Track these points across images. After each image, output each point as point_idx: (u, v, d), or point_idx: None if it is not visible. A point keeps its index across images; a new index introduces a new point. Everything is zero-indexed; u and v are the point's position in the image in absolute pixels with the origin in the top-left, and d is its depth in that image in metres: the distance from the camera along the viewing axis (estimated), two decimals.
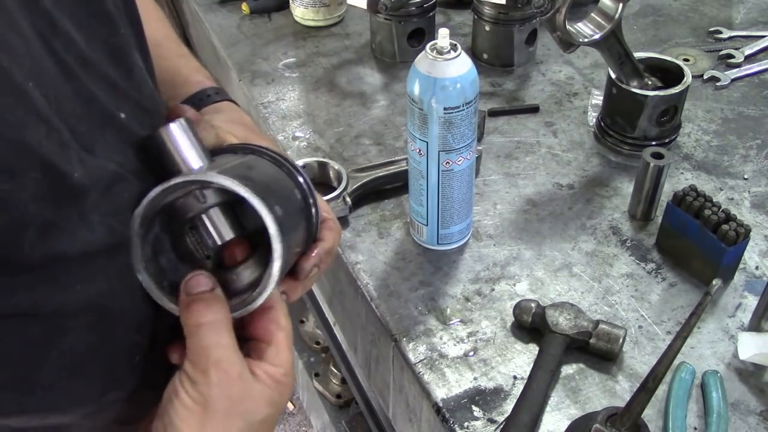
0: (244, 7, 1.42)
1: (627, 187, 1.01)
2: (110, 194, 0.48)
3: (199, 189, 0.53)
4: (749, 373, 0.79)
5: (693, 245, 0.87)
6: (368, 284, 0.90)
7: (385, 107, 1.19)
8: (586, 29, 1.01)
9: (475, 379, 0.79)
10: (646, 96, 1.01)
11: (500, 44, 1.24)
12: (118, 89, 0.51)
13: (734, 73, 1.23)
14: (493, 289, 0.89)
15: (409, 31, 1.25)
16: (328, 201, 0.94)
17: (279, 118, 1.17)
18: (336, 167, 1.01)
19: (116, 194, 0.49)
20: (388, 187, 1.02)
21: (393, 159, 1.04)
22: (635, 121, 1.04)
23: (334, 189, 0.97)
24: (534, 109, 1.17)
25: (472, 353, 0.82)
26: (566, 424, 0.74)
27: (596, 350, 0.80)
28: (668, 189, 0.96)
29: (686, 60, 1.26)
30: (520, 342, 0.83)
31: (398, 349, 0.83)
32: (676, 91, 1.01)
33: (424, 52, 0.80)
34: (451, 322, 0.85)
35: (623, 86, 1.03)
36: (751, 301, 0.86)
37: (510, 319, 0.85)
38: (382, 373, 0.91)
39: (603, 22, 1.00)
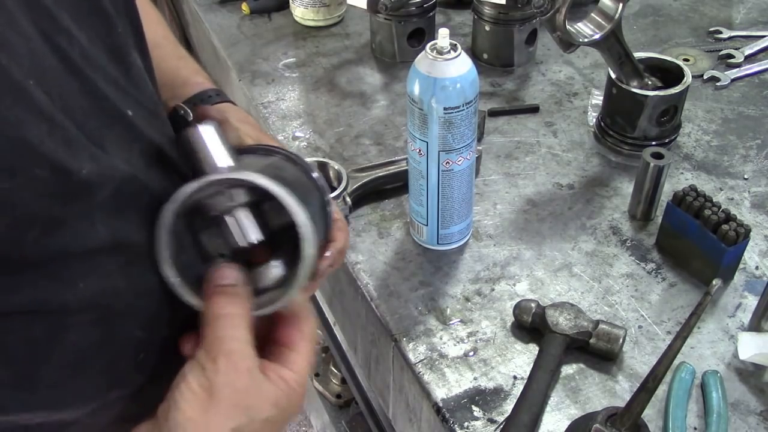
0: (244, 7, 1.42)
1: (627, 187, 1.01)
2: (119, 193, 0.48)
3: (230, 188, 0.53)
4: (749, 373, 0.79)
5: (693, 245, 0.87)
6: (368, 284, 0.90)
7: (385, 107, 1.19)
8: (586, 29, 1.01)
9: (475, 379, 0.79)
10: (646, 96, 1.01)
11: (500, 44, 1.24)
12: (121, 87, 0.52)
13: (734, 73, 1.23)
14: (493, 289, 0.89)
15: (409, 31, 1.25)
16: None
17: (279, 118, 1.17)
18: (336, 167, 1.01)
19: (124, 193, 0.49)
20: (388, 187, 1.02)
21: (393, 159, 1.03)
22: (635, 121, 1.04)
23: (334, 189, 0.97)
24: (534, 109, 1.17)
25: (472, 353, 0.82)
26: (566, 424, 0.74)
27: (596, 350, 0.80)
28: (668, 189, 0.96)
29: (686, 60, 1.26)
30: (520, 342, 0.83)
31: (398, 349, 0.83)
32: (676, 91, 1.01)
33: (424, 52, 0.80)
34: (451, 322, 0.85)
35: (623, 86, 1.03)
36: (751, 301, 0.86)
37: (510, 319, 0.85)
38: (382, 373, 0.91)
39: (603, 22, 1.00)
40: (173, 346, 0.58)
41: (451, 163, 0.85)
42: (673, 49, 1.29)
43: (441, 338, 0.83)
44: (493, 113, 1.15)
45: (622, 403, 0.71)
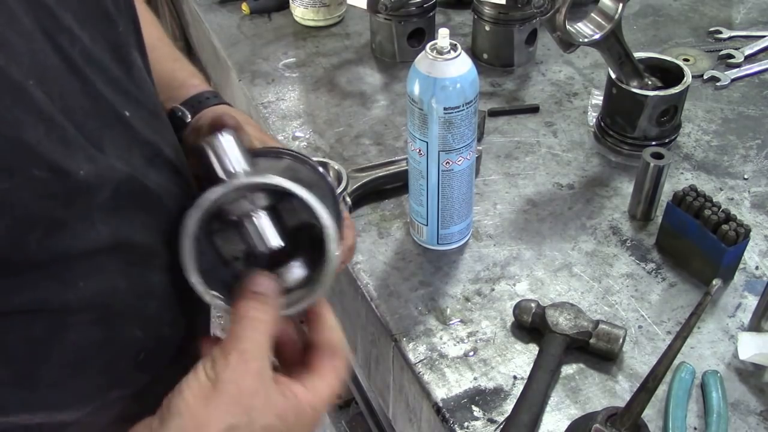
0: (244, 7, 1.42)
1: (627, 187, 1.01)
2: (118, 193, 0.48)
3: (251, 192, 0.54)
4: (749, 373, 0.79)
5: (693, 245, 0.87)
6: (368, 284, 0.90)
7: (385, 107, 1.19)
8: (586, 29, 1.01)
9: (475, 379, 0.79)
10: (646, 96, 1.01)
11: (500, 44, 1.24)
12: (122, 87, 0.52)
13: (734, 73, 1.23)
14: (493, 289, 0.89)
15: (409, 31, 1.25)
16: None
17: (279, 118, 1.17)
18: (336, 167, 1.01)
19: (123, 194, 0.49)
20: (388, 187, 1.02)
21: (393, 159, 1.03)
22: (635, 121, 1.04)
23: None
24: (534, 109, 1.17)
25: (472, 353, 0.82)
26: (566, 424, 0.74)
27: (596, 350, 0.80)
28: (668, 189, 0.96)
29: (686, 60, 1.26)
30: (520, 342, 0.83)
31: (398, 349, 0.83)
32: (676, 91, 1.01)
33: (424, 52, 0.80)
34: (451, 322, 0.85)
35: (623, 86, 1.03)
36: (751, 301, 0.86)
37: (510, 319, 0.85)
38: (382, 373, 0.91)
39: (603, 22, 1.00)
40: (173, 346, 0.58)
41: (451, 163, 0.85)
42: (673, 49, 1.29)
43: (441, 338, 0.83)
44: (493, 113, 1.15)
45: (622, 403, 0.71)
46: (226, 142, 0.54)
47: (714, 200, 0.86)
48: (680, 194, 0.88)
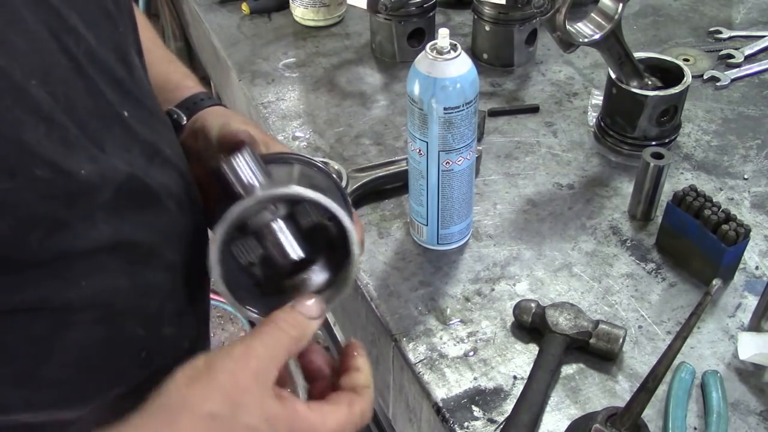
0: (244, 7, 1.42)
1: (627, 187, 1.01)
2: (120, 193, 0.49)
3: (272, 203, 0.55)
4: (749, 373, 0.79)
5: (693, 245, 0.87)
6: (368, 284, 0.90)
7: (385, 107, 1.19)
8: (586, 29, 1.01)
9: (475, 379, 0.79)
10: (646, 96, 1.01)
11: (500, 44, 1.24)
12: (123, 87, 0.52)
13: (734, 73, 1.23)
14: (493, 289, 0.89)
15: (409, 31, 1.25)
16: None
17: (279, 118, 1.17)
18: (336, 167, 1.01)
19: (125, 193, 0.49)
20: (388, 187, 1.02)
21: (393, 159, 1.03)
22: (635, 121, 1.04)
23: None
24: (534, 109, 1.17)
25: (472, 353, 0.82)
26: (566, 424, 0.74)
27: (596, 350, 0.80)
28: (668, 189, 0.96)
29: (686, 60, 1.26)
30: (520, 342, 0.83)
31: (398, 349, 0.83)
32: (676, 91, 1.01)
33: (424, 52, 0.80)
34: (451, 322, 0.85)
35: (623, 86, 1.03)
36: (751, 301, 0.86)
37: (510, 319, 0.85)
38: (382, 373, 0.91)
39: (603, 22, 1.00)
40: (175, 345, 0.58)
41: (451, 163, 0.85)
42: (673, 49, 1.29)
43: (441, 338, 0.83)
44: (493, 113, 1.15)
45: (622, 403, 0.71)
46: (244, 159, 0.54)
47: (714, 200, 0.86)
48: (680, 194, 0.88)
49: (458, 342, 0.83)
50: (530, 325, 0.83)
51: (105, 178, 0.47)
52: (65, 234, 0.45)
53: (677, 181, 1.03)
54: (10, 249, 0.42)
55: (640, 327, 0.84)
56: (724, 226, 0.83)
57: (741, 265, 0.89)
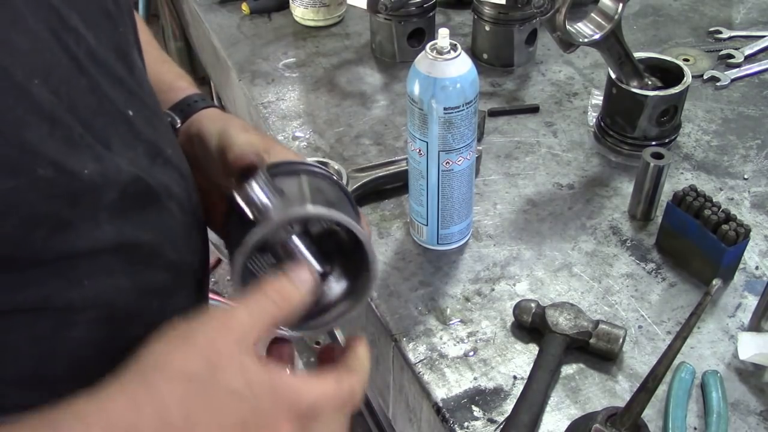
0: (244, 7, 1.42)
1: (627, 187, 1.01)
2: (125, 194, 0.49)
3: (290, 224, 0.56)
4: (749, 373, 0.79)
5: (693, 245, 0.87)
6: None
7: (385, 107, 1.19)
8: (586, 29, 1.01)
9: (475, 379, 0.79)
10: (646, 96, 1.01)
11: (500, 44, 1.24)
12: (125, 87, 0.52)
13: (734, 73, 1.23)
14: (493, 289, 0.89)
15: (409, 31, 1.25)
16: None
17: (279, 118, 1.17)
18: (336, 167, 1.01)
19: (130, 195, 0.49)
20: (388, 187, 1.02)
21: (393, 159, 1.04)
22: (635, 121, 1.04)
23: None
24: (534, 109, 1.17)
25: (472, 353, 0.82)
26: (566, 424, 0.74)
27: (596, 350, 0.80)
28: (668, 189, 0.96)
29: (686, 60, 1.26)
30: (520, 342, 0.83)
31: (398, 349, 0.83)
32: (676, 91, 1.01)
33: (424, 52, 0.80)
34: (451, 322, 0.85)
35: (623, 86, 1.03)
36: (751, 301, 0.86)
37: (510, 319, 0.85)
38: (382, 373, 0.91)
39: (603, 22, 1.00)
40: None
41: (451, 163, 0.85)
42: (673, 49, 1.29)
43: (441, 338, 0.83)
44: (493, 113, 1.15)
45: (622, 403, 0.71)
46: (258, 185, 0.54)
47: (714, 200, 0.86)
48: (680, 194, 0.88)
49: (458, 342, 0.83)
50: (530, 325, 0.83)
51: (108, 178, 0.47)
52: (68, 234, 0.45)
53: (677, 181, 1.03)
54: (14, 248, 0.42)
55: (640, 327, 0.84)
56: (724, 226, 0.83)
57: (741, 265, 0.89)
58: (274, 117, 1.17)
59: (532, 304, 0.83)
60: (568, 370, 0.80)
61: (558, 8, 0.95)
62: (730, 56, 1.26)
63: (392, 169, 1.01)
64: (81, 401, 0.42)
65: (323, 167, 0.62)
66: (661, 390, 0.74)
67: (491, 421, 0.76)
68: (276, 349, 0.58)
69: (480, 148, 1.02)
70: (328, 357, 0.58)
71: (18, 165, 0.41)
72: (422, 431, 0.83)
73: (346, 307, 0.58)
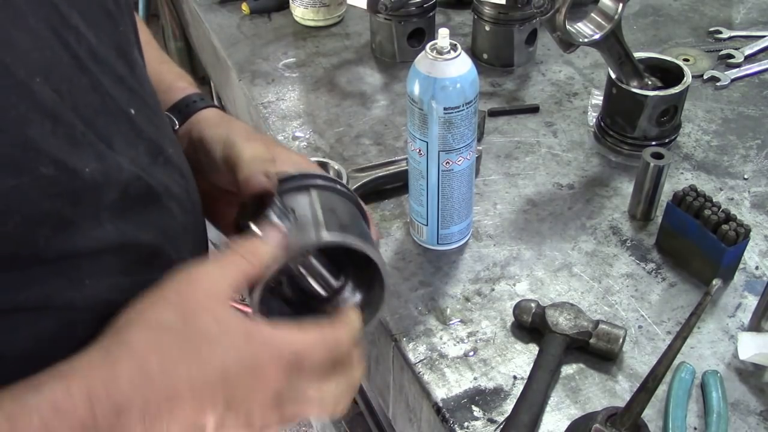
0: (244, 7, 1.42)
1: (627, 187, 1.01)
2: (126, 194, 0.49)
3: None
4: (749, 373, 0.79)
5: (693, 245, 0.87)
6: None
7: (385, 107, 1.19)
8: (586, 29, 1.01)
9: (475, 379, 0.79)
10: (646, 96, 1.01)
11: (500, 44, 1.24)
12: (126, 85, 0.52)
13: (734, 73, 1.23)
14: (493, 289, 0.89)
15: (409, 31, 1.25)
16: None
17: (279, 118, 1.17)
18: (336, 167, 1.01)
19: (131, 195, 0.49)
20: (388, 187, 1.02)
21: (393, 159, 1.04)
22: (635, 121, 1.04)
23: None
24: (534, 109, 1.17)
25: (472, 353, 0.82)
26: (566, 424, 0.74)
27: (596, 350, 0.80)
28: (668, 189, 0.96)
29: (686, 60, 1.26)
30: (520, 342, 0.83)
31: (398, 349, 0.83)
32: (676, 91, 1.01)
33: (424, 52, 0.80)
34: (451, 322, 0.85)
35: (623, 86, 1.03)
36: (751, 301, 0.86)
37: (510, 319, 0.85)
38: (382, 373, 0.91)
39: (603, 22, 1.00)
40: None
41: (451, 163, 0.85)
42: (673, 49, 1.29)
43: (441, 338, 0.83)
44: (493, 113, 1.15)
45: (622, 403, 0.71)
46: (274, 213, 0.56)
47: (714, 200, 0.86)
48: (680, 194, 0.88)
49: (458, 342, 0.83)
50: (530, 325, 0.83)
51: (109, 177, 0.47)
52: (70, 233, 0.45)
53: (677, 181, 1.03)
54: (16, 247, 0.43)
55: (640, 327, 0.84)
56: (724, 226, 0.83)
57: (741, 265, 0.89)
58: (274, 117, 1.17)
59: (532, 304, 0.83)
60: (568, 370, 0.80)
61: (558, 8, 0.95)
62: (730, 56, 1.26)
63: (392, 169, 1.01)
64: (62, 364, 0.44)
65: (329, 177, 0.63)
66: (661, 390, 0.74)
67: (491, 421, 0.76)
68: None
69: (480, 148, 1.01)
70: None
71: (20, 163, 0.41)
72: (422, 431, 0.83)
73: (363, 318, 0.60)
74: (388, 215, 0.99)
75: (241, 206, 0.60)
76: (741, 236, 0.83)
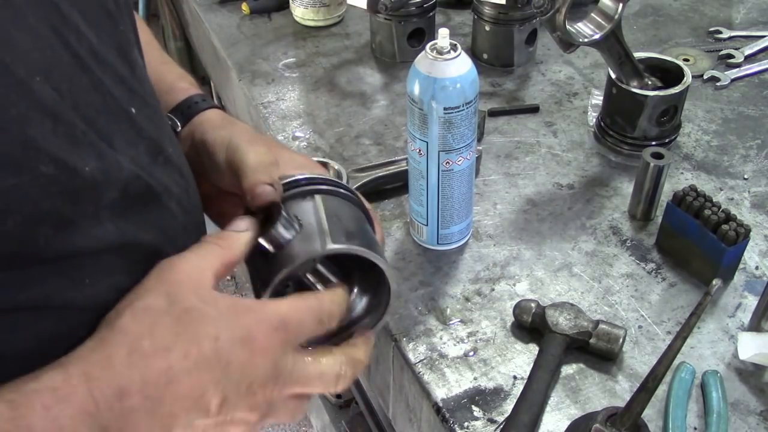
0: (244, 7, 1.42)
1: (627, 187, 1.01)
2: (126, 194, 0.49)
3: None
4: (749, 373, 0.79)
5: (693, 245, 0.87)
6: None
7: (385, 107, 1.19)
8: (586, 29, 1.01)
9: (475, 379, 0.79)
10: (646, 96, 1.01)
11: (500, 44, 1.24)
12: (127, 85, 0.52)
13: (734, 73, 1.23)
14: (493, 289, 0.89)
15: (409, 31, 1.25)
16: None
17: (279, 118, 1.17)
18: (336, 167, 1.01)
19: (131, 194, 0.50)
20: (388, 187, 1.02)
21: (393, 159, 1.04)
22: (635, 121, 1.04)
23: None
24: (534, 109, 1.17)
25: (472, 353, 0.82)
26: (566, 424, 0.74)
27: (596, 350, 0.80)
28: (668, 189, 0.96)
29: (686, 60, 1.26)
30: (520, 342, 0.83)
31: (398, 349, 0.83)
32: (676, 91, 1.01)
33: (424, 52, 0.80)
34: (451, 322, 0.85)
35: (623, 86, 1.03)
36: (751, 301, 0.86)
37: (510, 319, 0.85)
38: (382, 373, 0.91)
39: (603, 22, 1.00)
40: None
41: (451, 163, 0.85)
42: (673, 49, 1.29)
43: (441, 338, 0.83)
44: (493, 113, 1.15)
45: (622, 403, 0.71)
46: (281, 225, 0.56)
47: (714, 200, 0.86)
48: (680, 194, 0.88)
49: (458, 342, 0.83)
50: (530, 325, 0.83)
51: (109, 175, 0.47)
52: (71, 232, 0.45)
53: (677, 181, 1.03)
54: (17, 246, 0.43)
55: (640, 327, 0.84)
56: (724, 226, 0.83)
57: (741, 265, 0.89)
58: (274, 117, 1.17)
59: (532, 304, 0.83)
60: (568, 370, 0.80)
61: (558, 8, 0.95)
62: (730, 56, 1.26)
63: (392, 169, 1.01)
64: (61, 358, 0.45)
65: (332, 181, 0.63)
66: (661, 390, 0.74)
67: (491, 421, 0.76)
68: None
69: (480, 148, 1.02)
70: None
71: (21, 162, 0.41)
72: (422, 431, 0.83)
73: (368, 322, 0.61)
74: (388, 215, 0.99)
75: (245, 212, 0.60)
76: (741, 236, 0.83)
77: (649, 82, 1.05)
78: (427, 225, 0.91)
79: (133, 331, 0.46)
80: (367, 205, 0.68)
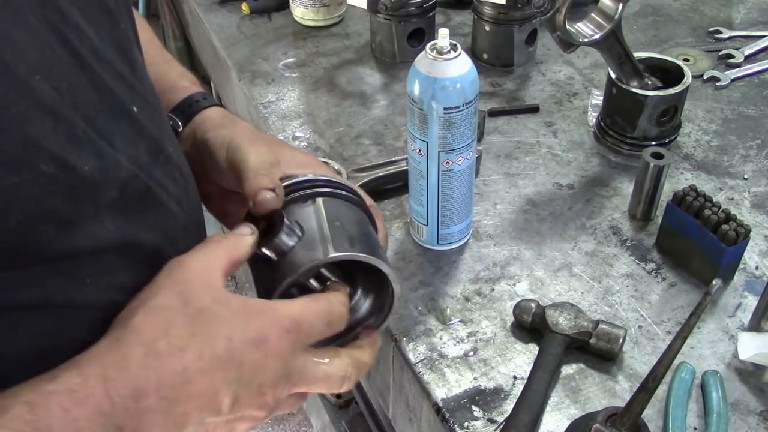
0: (244, 7, 1.42)
1: (627, 187, 1.01)
2: (125, 193, 0.49)
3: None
4: (749, 373, 0.79)
5: (693, 245, 0.87)
6: None
7: (385, 107, 1.19)
8: (586, 29, 1.01)
9: (475, 379, 0.79)
10: (646, 96, 1.01)
11: (500, 44, 1.24)
12: (127, 83, 0.52)
13: (734, 73, 1.23)
14: (493, 289, 0.89)
15: (409, 31, 1.25)
16: None
17: (279, 118, 1.17)
18: (336, 167, 1.01)
19: (130, 193, 0.50)
20: (388, 187, 1.02)
21: (393, 159, 1.04)
22: (635, 121, 1.04)
23: None
24: (534, 109, 1.17)
25: (472, 353, 0.82)
26: (566, 424, 0.74)
27: (596, 350, 0.80)
28: (668, 189, 0.96)
29: (686, 60, 1.26)
30: (520, 342, 0.83)
31: (398, 349, 0.83)
32: (676, 91, 1.01)
33: (424, 52, 0.80)
34: (451, 322, 0.85)
35: (623, 86, 1.03)
36: (751, 301, 0.86)
37: (510, 319, 0.85)
38: (382, 373, 0.91)
39: (603, 22, 1.00)
40: None
41: (451, 163, 0.85)
42: (673, 49, 1.29)
43: (441, 338, 0.83)
44: (493, 113, 1.15)
45: (622, 403, 0.71)
46: (285, 233, 0.57)
47: (714, 200, 0.86)
48: (680, 194, 0.88)
49: (458, 342, 0.83)
50: (530, 325, 0.83)
51: (108, 175, 0.47)
52: (72, 231, 0.45)
53: (677, 181, 1.03)
54: (18, 244, 0.43)
55: (640, 327, 0.84)
56: (724, 226, 0.83)
57: (741, 265, 0.89)
58: (274, 117, 1.17)
59: (532, 304, 0.83)
60: (568, 370, 0.80)
61: (558, 8, 0.95)
62: (730, 56, 1.26)
63: (392, 169, 1.01)
64: (75, 357, 0.45)
65: (334, 182, 0.63)
66: (661, 390, 0.74)
67: (491, 421, 0.76)
68: None
69: (480, 148, 1.02)
70: None
71: (21, 160, 0.41)
72: (422, 431, 0.83)
73: (372, 323, 0.61)
74: (388, 215, 0.99)
75: (246, 216, 0.60)
76: (741, 236, 0.83)
77: (649, 82, 1.05)
78: (427, 225, 0.91)
79: (148, 331, 0.47)
80: (369, 201, 0.68)
